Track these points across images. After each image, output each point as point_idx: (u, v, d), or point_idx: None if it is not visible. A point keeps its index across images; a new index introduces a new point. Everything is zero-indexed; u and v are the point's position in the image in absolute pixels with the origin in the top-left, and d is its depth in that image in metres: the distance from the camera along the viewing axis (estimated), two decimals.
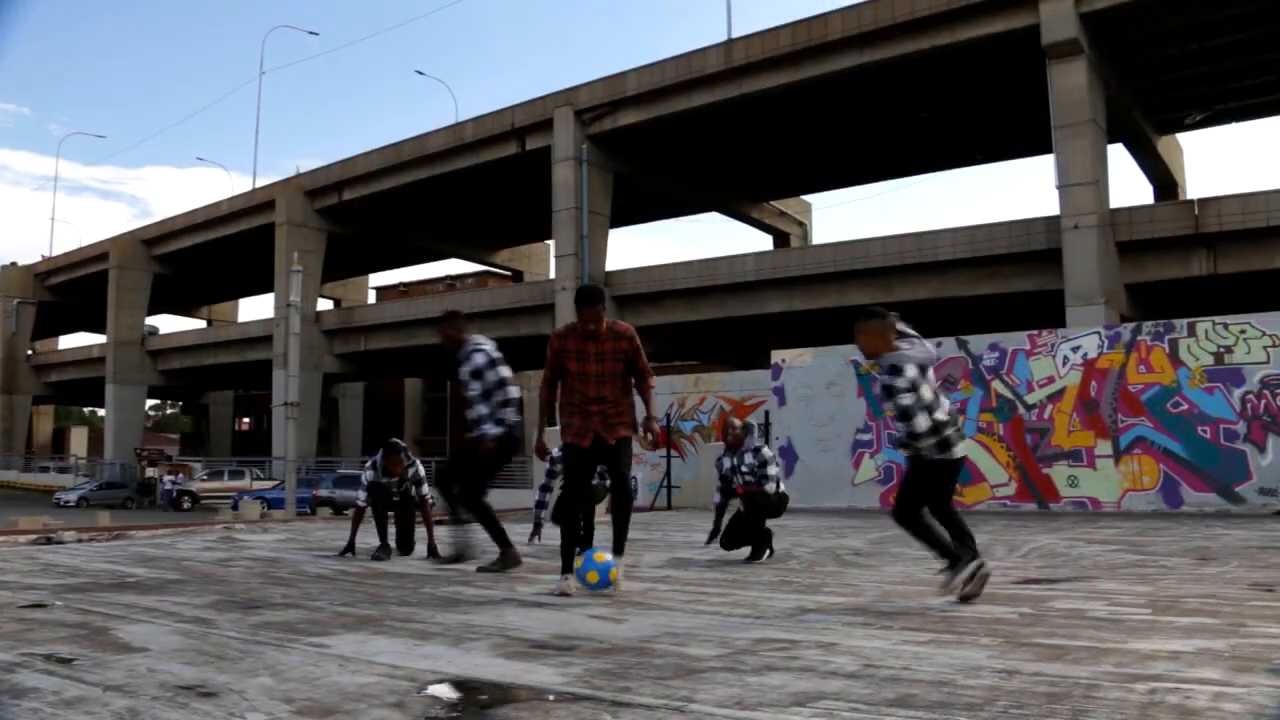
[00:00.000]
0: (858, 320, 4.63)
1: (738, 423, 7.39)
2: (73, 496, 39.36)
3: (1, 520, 14.25)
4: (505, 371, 6.23)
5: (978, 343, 15.06)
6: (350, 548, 7.51)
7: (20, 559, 7.04)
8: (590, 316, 4.92)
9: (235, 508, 22.58)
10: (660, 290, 30.95)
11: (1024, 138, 30.64)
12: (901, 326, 4.64)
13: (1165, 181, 32.00)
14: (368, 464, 7.79)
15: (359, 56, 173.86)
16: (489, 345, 6.37)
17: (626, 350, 5.04)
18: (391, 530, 7.69)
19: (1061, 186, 22.96)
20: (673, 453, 18.58)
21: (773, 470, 7.17)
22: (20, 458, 54.18)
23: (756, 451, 7.18)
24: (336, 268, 45.14)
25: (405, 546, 7.62)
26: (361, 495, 7.66)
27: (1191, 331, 13.38)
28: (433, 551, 7.37)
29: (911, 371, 4.48)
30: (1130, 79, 25.68)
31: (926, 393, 4.50)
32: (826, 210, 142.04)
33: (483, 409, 6.01)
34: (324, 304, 47.25)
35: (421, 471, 7.83)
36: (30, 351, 57.80)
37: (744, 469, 7.12)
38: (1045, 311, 23.52)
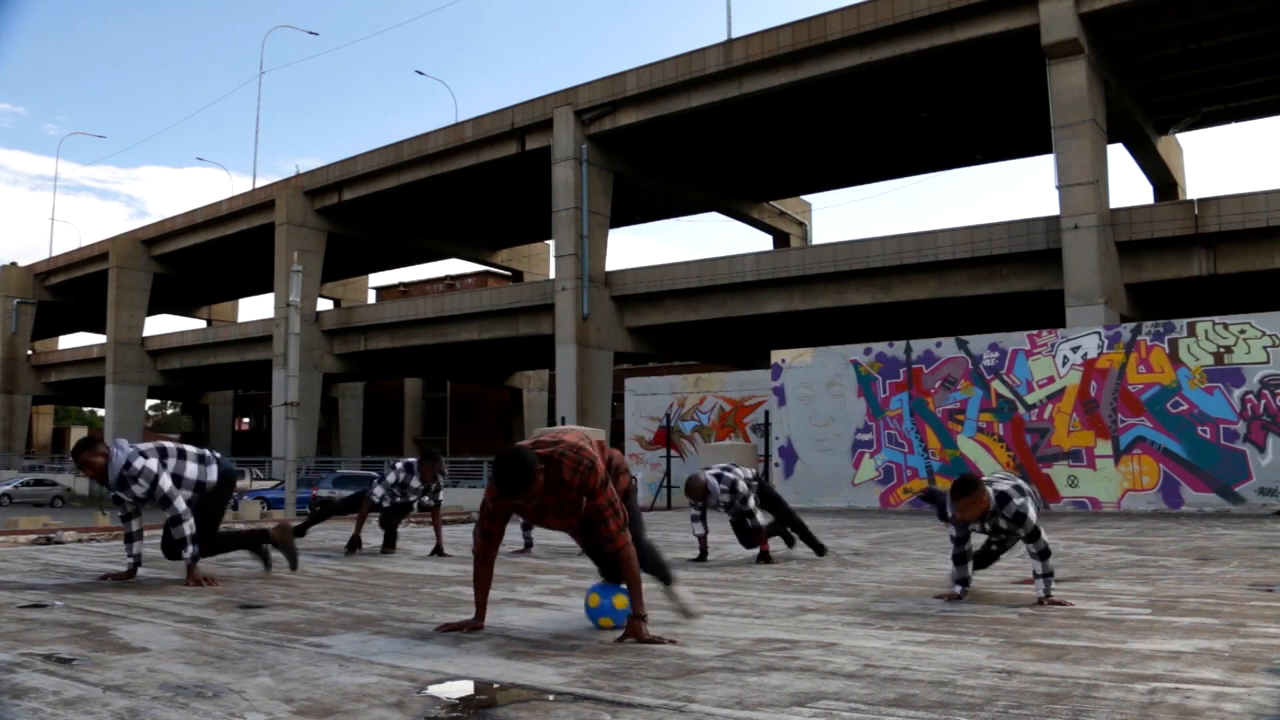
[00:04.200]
0: (962, 497, 4.55)
1: (701, 480, 6.95)
2: None
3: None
4: None
5: (978, 343, 15.06)
6: (356, 544, 7.67)
7: (20, 559, 7.04)
8: (526, 502, 3.68)
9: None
10: (660, 290, 30.95)
11: (1024, 138, 30.63)
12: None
13: (1165, 181, 31.99)
14: (400, 464, 7.83)
15: (359, 56, 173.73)
16: None
17: (582, 503, 3.71)
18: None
19: (1061, 186, 22.95)
20: (672, 453, 18.58)
21: (743, 488, 6.94)
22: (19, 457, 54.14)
23: (732, 485, 6.93)
24: (336, 268, 45.12)
25: (389, 545, 7.84)
26: (378, 492, 7.70)
27: (1191, 331, 13.39)
28: (438, 551, 7.61)
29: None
30: (1130, 79, 25.67)
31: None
32: (826, 210, 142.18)
33: None
34: (324, 304, 47.22)
35: (442, 482, 8.03)
36: (30, 351, 57.76)
37: (724, 497, 6.90)
38: (1045, 311, 23.52)
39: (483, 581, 3.90)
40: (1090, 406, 13.92)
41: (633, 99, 29.43)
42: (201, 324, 58.51)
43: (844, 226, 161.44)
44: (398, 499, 7.78)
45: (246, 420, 70.01)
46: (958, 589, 4.80)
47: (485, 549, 3.85)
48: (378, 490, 7.72)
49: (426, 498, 7.88)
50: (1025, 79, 24.49)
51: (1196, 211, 22.74)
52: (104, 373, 48.99)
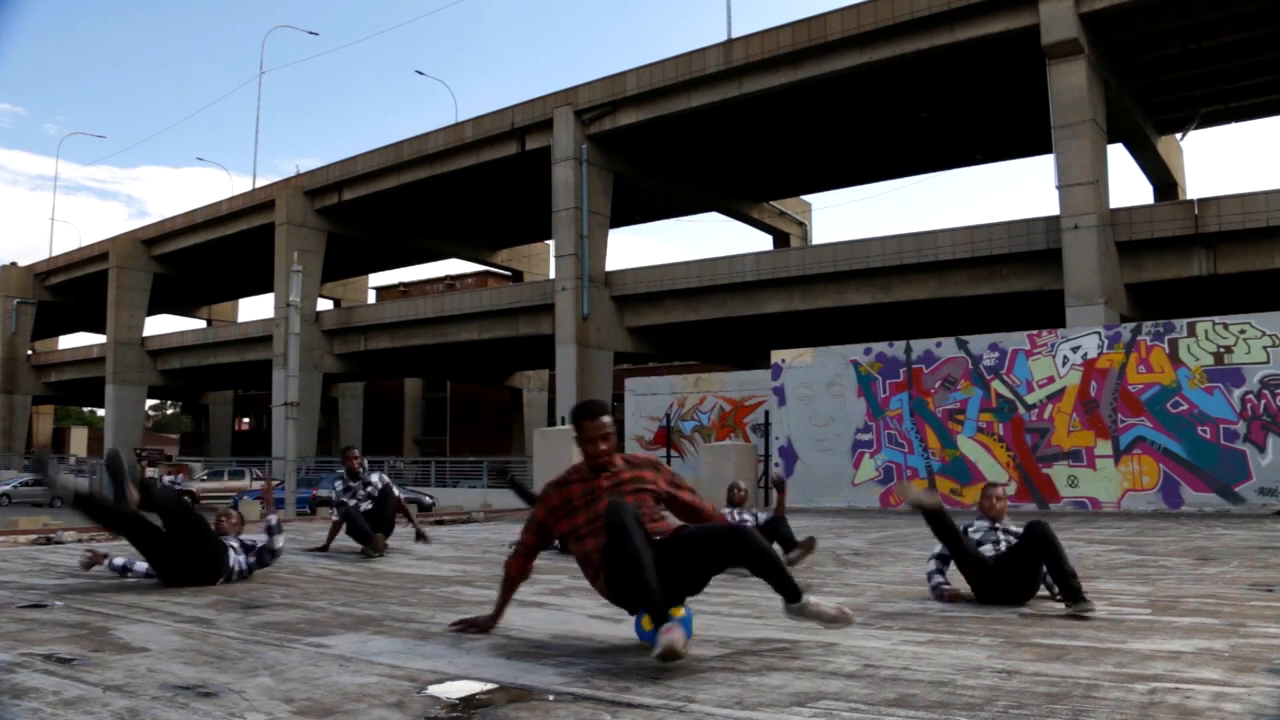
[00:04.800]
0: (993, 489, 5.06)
1: (742, 485, 7.72)
2: None
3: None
4: None
5: (978, 343, 15.05)
6: (326, 548, 7.81)
7: (20, 559, 7.04)
8: (595, 431, 3.49)
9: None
10: (660, 290, 30.94)
11: (1024, 138, 30.61)
12: None
13: (1165, 181, 31.97)
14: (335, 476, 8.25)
15: (359, 56, 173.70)
16: None
17: (651, 486, 3.57)
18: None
19: (1061, 186, 22.94)
20: (673, 453, 18.58)
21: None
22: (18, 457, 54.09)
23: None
24: (336, 268, 45.10)
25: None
26: (337, 511, 7.88)
27: (1191, 331, 13.38)
28: (420, 537, 8.16)
29: None
30: (1130, 79, 25.66)
31: None
32: (826, 210, 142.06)
33: None
34: (324, 304, 47.20)
35: (396, 490, 8.11)
36: (30, 351, 57.74)
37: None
38: (1045, 311, 23.50)
39: (508, 584, 3.82)
40: (1090, 406, 13.91)
41: (633, 99, 29.42)
42: (201, 324, 58.50)
43: (844, 226, 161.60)
44: (351, 503, 7.82)
45: (246, 420, 70.00)
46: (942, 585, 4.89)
47: (516, 564, 3.76)
48: (336, 511, 7.89)
49: (370, 489, 7.93)
50: (1025, 79, 24.47)
51: (1196, 211, 22.73)
52: (104, 373, 48.98)
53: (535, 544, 3.71)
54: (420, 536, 8.28)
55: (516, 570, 3.78)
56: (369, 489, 7.87)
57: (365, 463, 8.15)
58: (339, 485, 7.97)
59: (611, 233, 32.65)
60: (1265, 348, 12.87)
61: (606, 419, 3.52)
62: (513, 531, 10.49)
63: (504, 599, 3.85)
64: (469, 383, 55.06)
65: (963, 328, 19.30)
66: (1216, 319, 13.38)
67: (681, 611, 3.33)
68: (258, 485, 31.22)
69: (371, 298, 56.91)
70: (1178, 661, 3.19)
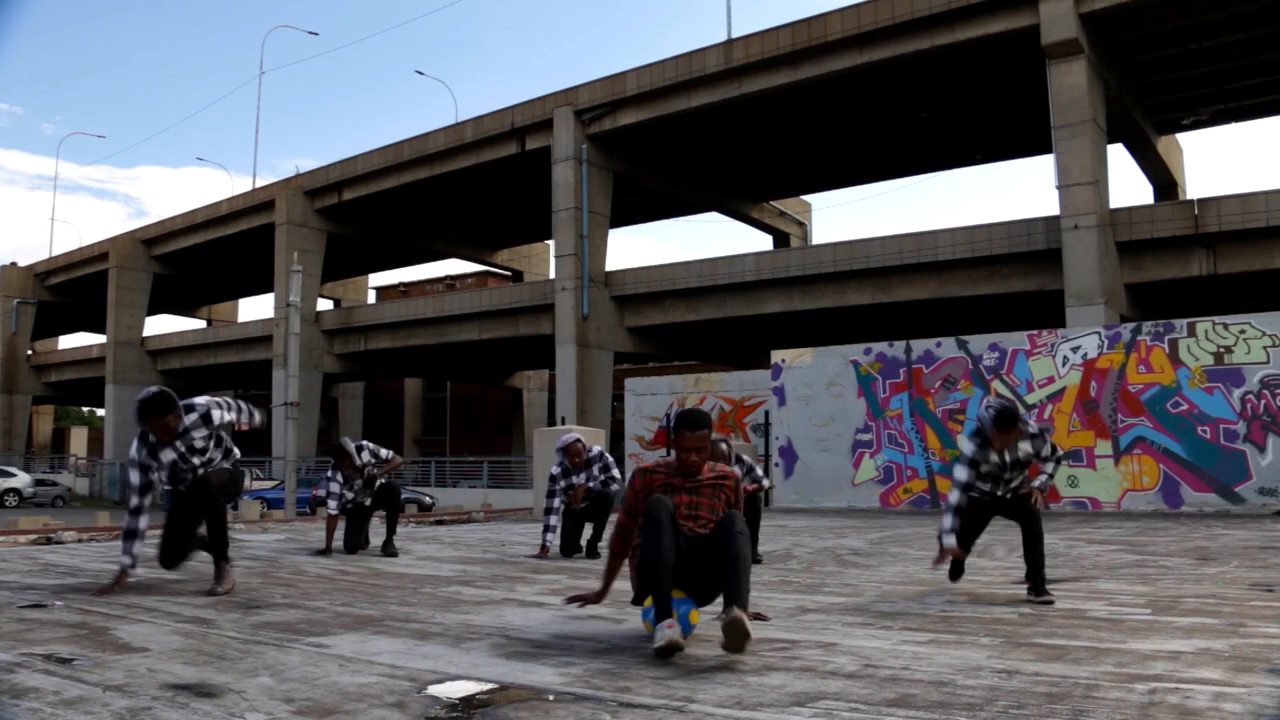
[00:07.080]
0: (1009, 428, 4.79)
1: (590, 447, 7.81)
2: None
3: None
4: None
5: (977, 343, 15.06)
6: (328, 549, 7.67)
7: (20, 559, 7.04)
8: (693, 442, 3.82)
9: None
10: (660, 290, 30.95)
11: (1024, 138, 30.63)
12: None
13: (1165, 181, 31.98)
14: (329, 474, 7.80)
15: (359, 56, 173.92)
16: None
17: (726, 495, 3.87)
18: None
19: (1061, 186, 22.94)
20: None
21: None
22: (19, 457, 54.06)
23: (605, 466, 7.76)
24: (336, 268, 45.11)
25: (355, 545, 7.71)
26: (332, 506, 7.65)
27: (1191, 331, 13.38)
28: (388, 548, 7.50)
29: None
30: (1130, 79, 25.67)
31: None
32: (826, 210, 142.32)
33: None
34: (324, 304, 47.20)
35: (383, 453, 7.88)
36: (30, 351, 57.73)
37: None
38: (1045, 311, 23.51)
39: (611, 567, 3.93)
40: (1090, 406, 13.91)
41: (633, 99, 29.43)
42: (201, 324, 58.51)
43: (844, 226, 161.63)
44: (349, 502, 7.71)
45: None
46: (951, 540, 4.80)
47: (617, 544, 3.89)
48: (331, 505, 7.65)
49: (372, 470, 7.75)
50: (1025, 79, 24.48)
51: (1196, 211, 22.74)
52: (104, 373, 48.99)
53: (629, 523, 3.85)
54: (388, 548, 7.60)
55: (620, 547, 3.88)
56: (365, 471, 7.74)
57: (358, 465, 7.72)
58: (335, 486, 7.64)
59: (611, 233, 32.67)
60: (1265, 348, 12.87)
61: (705, 431, 3.79)
62: (512, 531, 10.48)
63: (610, 577, 3.93)
64: (469, 383, 55.07)
65: (963, 328, 19.31)
66: (1216, 319, 13.38)
67: (684, 620, 3.44)
68: (258, 485, 31.18)
69: (371, 298, 56.91)
70: (1178, 661, 3.18)
